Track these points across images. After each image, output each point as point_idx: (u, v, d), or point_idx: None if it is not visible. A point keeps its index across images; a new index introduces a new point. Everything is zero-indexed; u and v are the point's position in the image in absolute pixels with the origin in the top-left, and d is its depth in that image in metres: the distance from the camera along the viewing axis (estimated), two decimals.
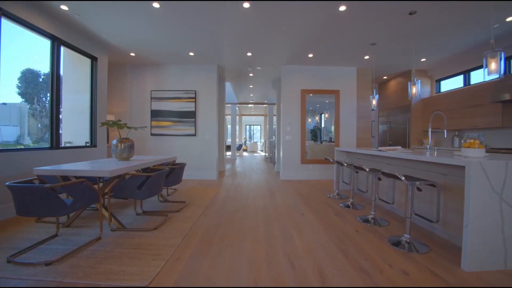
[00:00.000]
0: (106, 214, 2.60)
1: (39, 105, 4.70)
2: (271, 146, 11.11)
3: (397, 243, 2.28)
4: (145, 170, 3.34)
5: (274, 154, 9.14)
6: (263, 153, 16.11)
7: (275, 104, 11.82)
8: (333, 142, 6.32)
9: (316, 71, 5.88)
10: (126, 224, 2.77)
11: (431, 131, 5.88)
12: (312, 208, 3.50)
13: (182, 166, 3.56)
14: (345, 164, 3.65)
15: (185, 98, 5.80)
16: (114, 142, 3.09)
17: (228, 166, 8.57)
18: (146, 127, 3.87)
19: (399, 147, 3.36)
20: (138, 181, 2.57)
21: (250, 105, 12.78)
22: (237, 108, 13.05)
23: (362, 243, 2.33)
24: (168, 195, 4.14)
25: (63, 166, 2.54)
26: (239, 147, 15.09)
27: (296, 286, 1.64)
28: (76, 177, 2.44)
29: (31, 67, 4.61)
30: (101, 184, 2.71)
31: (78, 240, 2.34)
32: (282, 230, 2.64)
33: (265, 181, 5.67)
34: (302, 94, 5.82)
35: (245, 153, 16.08)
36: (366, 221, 2.96)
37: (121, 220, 2.89)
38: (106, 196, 2.62)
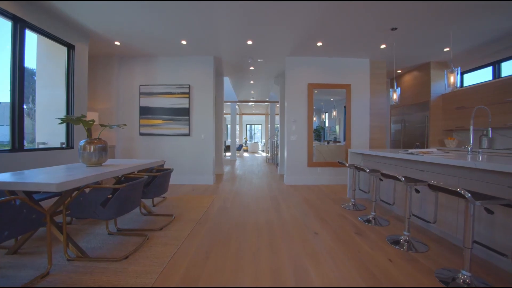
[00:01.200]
0: (61, 238, 1.98)
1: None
2: (273, 147, 10.48)
3: (449, 282, 1.65)
4: (128, 178, 2.72)
5: (276, 155, 8.51)
6: (264, 154, 15.48)
7: (277, 102, 11.20)
8: (338, 142, 5.70)
9: (324, 63, 5.24)
10: (91, 249, 2.14)
11: (451, 130, 5.26)
12: (326, 223, 2.87)
13: (167, 173, 2.94)
14: (368, 170, 3.02)
15: (178, 93, 5.18)
16: (81, 143, 2.47)
17: (227, 169, 7.95)
18: (125, 125, 3.24)
19: (435, 150, 2.73)
20: (102, 195, 1.94)
21: (250, 103, 12.16)
22: (237, 107, 12.43)
23: (403, 281, 1.70)
24: (154, 206, 3.53)
25: None
26: (239, 148, 14.48)
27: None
28: (10, 193, 1.81)
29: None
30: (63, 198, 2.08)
31: (18, 277, 1.72)
32: (292, 259, 2.02)
33: (268, 186, 5.04)
34: (309, 89, 5.18)
35: (245, 154, 15.46)
36: (397, 243, 2.33)
37: (88, 242, 2.27)
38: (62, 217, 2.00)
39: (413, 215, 2.54)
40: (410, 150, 2.87)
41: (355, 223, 2.88)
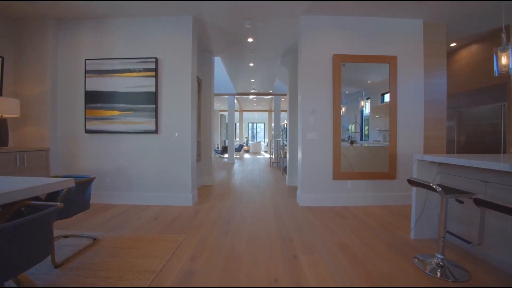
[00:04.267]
0: None
1: None
2: (277, 148, 8.78)
3: None
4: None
5: (283, 157, 6.80)
6: (267, 155, 13.78)
7: (284, 95, 9.49)
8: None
9: (357, 25, 3.52)
10: None
11: None
12: None
13: (46, 212, 1.23)
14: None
15: (140, 70, 3.51)
16: None
17: (221, 176, 6.26)
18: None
19: None
20: None
21: (251, 97, 10.46)
22: (235, 101, 10.75)
23: None
24: (58, 266, 1.84)
25: None
26: (239, 148, 12.80)
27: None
28: None
29: None
30: None
31: None
32: None
33: (275, 210, 3.34)
34: (334, 63, 3.47)
35: (246, 155, 13.77)
36: None
37: None
38: None
39: None
40: None
41: None
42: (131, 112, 3.52)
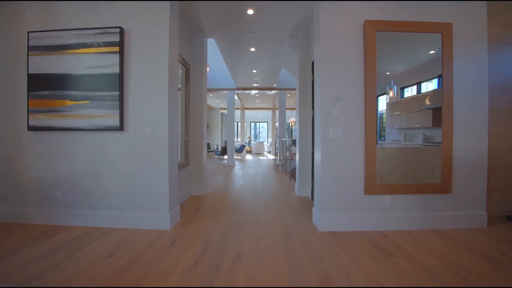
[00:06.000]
0: None
1: None
2: (283, 149, 7.82)
3: None
4: None
5: (289, 159, 5.84)
6: (271, 156, 12.83)
7: (289, 89, 8.53)
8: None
9: None
10: None
11: None
12: None
13: None
14: None
15: (99, 45, 2.57)
16: None
17: (217, 182, 5.32)
18: None
19: None
20: None
21: (253, 92, 9.51)
22: (236, 97, 9.82)
23: None
24: None
25: None
26: (241, 149, 11.87)
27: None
28: None
29: None
30: None
31: None
32: None
33: (284, 240, 2.38)
34: (366, 31, 2.49)
35: (248, 157, 12.83)
36: None
37: None
38: None
39: None
40: None
41: None
42: (88, 101, 2.59)
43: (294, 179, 5.46)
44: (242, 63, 5.96)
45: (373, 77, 2.46)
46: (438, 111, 2.73)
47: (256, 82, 8.09)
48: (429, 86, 2.90)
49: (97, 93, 2.57)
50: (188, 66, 3.77)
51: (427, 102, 2.96)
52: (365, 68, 2.48)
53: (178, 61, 3.30)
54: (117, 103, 2.55)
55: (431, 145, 2.83)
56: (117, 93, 2.54)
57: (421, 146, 3.06)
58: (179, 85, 3.36)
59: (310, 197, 3.83)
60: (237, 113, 13.65)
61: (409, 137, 2.88)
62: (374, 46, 2.47)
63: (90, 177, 2.61)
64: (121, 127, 2.55)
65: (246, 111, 15.05)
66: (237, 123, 16.53)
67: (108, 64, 2.56)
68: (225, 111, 14.39)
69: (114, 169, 2.59)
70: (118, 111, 2.55)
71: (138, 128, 2.56)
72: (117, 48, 2.54)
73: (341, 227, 2.49)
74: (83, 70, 2.58)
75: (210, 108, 14.35)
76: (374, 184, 2.49)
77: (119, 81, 2.54)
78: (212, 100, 12.07)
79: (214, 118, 14.74)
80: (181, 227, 2.60)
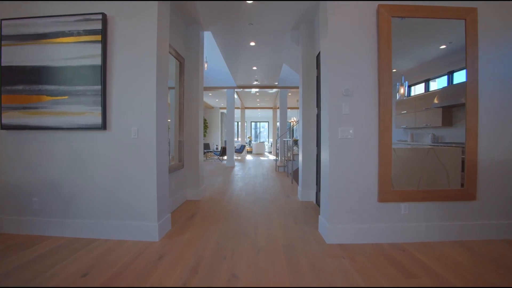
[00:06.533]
0: None
1: None
2: (284, 149, 7.53)
3: None
4: None
5: (291, 160, 5.54)
6: (271, 156, 12.54)
7: (292, 87, 8.25)
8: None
9: None
10: None
11: None
12: None
13: None
14: None
15: (79, 33, 2.29)
16: None
17: (215, 185, 5.03)
18: None
19: None
20: None
21: (253, 91, 9.22)
22: (236, 96, 9.54)
23: None
24: None
25: None
26: (241, 149, 11.59)
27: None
28: None
29: None
30: None
31: None
32: None
33: (288, 254, 2.09)
34: (381, 17, 2.19)
35: (248, 157, 12.55)
36: None
37: None
38: None
39: None
40: None
41: None
42: (67, 97, 2.30)
43: (296, 181, 5.17)
44: (242, 59, 5.68)
45: (388, 68, 2.17)
46: (448, 110, 2.53)
47: (257, 80, 7.80)
48: (439, 83, 2.70)
49: (77, 88, 2.29)
50: (182, 60, 3.49)
51: (436, 101, 2.75)
52: (379, 58, 2.18)
53: (171, 53, 3.02)
54: (99, 99, 2.26)
55: (446, 146, 2.58)
56: (99, 87, 2.26)
57: (434, 146, 2.83)
58: (173, 83, 3.07)
59: (315, 202, 3.54)
60: (237, 112, 13.38)
61: (416, 137, 2.68)
62: (389, 32, 2.18)
63: (69, 182, 2.33)
64: (103, 126, 2.27)
65: (247, 111, 14.77)
66: (238, 123, 16.25)
67: (89, 54, 2.27)
68: (225, 111, 14.11)
69: (96, 172, 2.31)
70: (100, 108, 2.26)
71: (122, 126, 2.28)
72: (99, 37, 2.26)
73: (351, 239, 2.20)
74: (61, 62, 2.30)
75: (210, 108, 14.08)
76: (390, 190, 2.19)
77: (101, 73, 2.25)
78: (212, 99, 11.79)
79: (214, 118, 14.46)
80: (171, 238, 2.31)
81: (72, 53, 2.29)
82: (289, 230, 2.52)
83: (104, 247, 2.12)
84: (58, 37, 2.30)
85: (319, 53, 3.33)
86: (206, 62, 6.46)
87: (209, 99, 11.60)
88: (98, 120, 2.27)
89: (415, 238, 2.22)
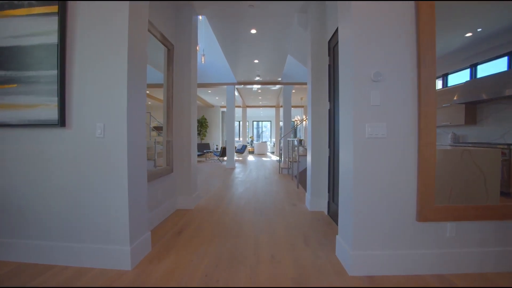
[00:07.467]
0: None
1: None
2: (288, 149, 7.02)
3: None
4: None
5: (298, 162, 5.03)
6: (274, 157, 12.01)
7: (296, 83, 7.73)
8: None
9: None
10: None
11: None
12: None
13: None
14: None
15: (31, 5, 1.80)
16: None
17: (211, 190, 4.52)
18: None
19: None
20: None
21: (255, 88, 8.70)
22: (236, 93, 9.02)
23: None
24: None
25: None
26: (242, 149, 11.09)
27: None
28: None
29: None
30: None
31: None
32: None
33: None
34: None
35: (250, 157, 12.04)
36: None
37: None
38: None
39: None
40: None
41: None
42: (15, 85, 1.81)
43: (303, 186, 4.64)
44: (242, 51, 5.16)
45: (431, 45, 1.64)
46: (472, 107, 2.30)
47: (259, 76, 7.29)
48: (458, 78, 2.36)
49: (28, 73, 1.79)
50: (171, 47, 2.98)
51: (458, 97, 2.44)
52: (418, 32, 1.65)
53: (155, 36, 2.52)
54: (55, 87, 1.76)
55: (474, 146, 2.23)
56: (55, 72, 1.76)
57: (469, 147, 2.39)
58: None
59: (327, 213, 3.02)
60: (239, 111, 12.87)
61: (441, 137, 2.28)
62: (433, 5, 1.65)
63: (18, 193, 1.84)
64: (61, 122, 1.77)
65: (248, 109, 14.26)
66: (239, 122, 15.75)
67: (43, 31, 1.78)
68: (225, 109, 13.63)
69: (54, 181, 1.81)
70: (56, 99, 1.76)
71: (85, 123, 1.78)
72: (55, 8, 1.76)
73: (382, 269, 1.68)
74: (8, 41, 1.80)
75: (210, 106, 13.59)
76: (433, 207, 1.67)
77: (58, 55, 1.75)
78: (212, 97, 11.28)
79: (214, 117, 13.97)
80: (148, 265, 1.81)
81: (21, 30, 1.79)
82: (299, 254, 2.00)
83: (62, 278, 1.63)
84: (4, 9, 1.81)
85: (332, 37, 2.81)
86: (204, 55, 5.96)
87: (209, 97, 11.10)
88: (54, 114, 1.77)
89: (465, 269, 1.69)
